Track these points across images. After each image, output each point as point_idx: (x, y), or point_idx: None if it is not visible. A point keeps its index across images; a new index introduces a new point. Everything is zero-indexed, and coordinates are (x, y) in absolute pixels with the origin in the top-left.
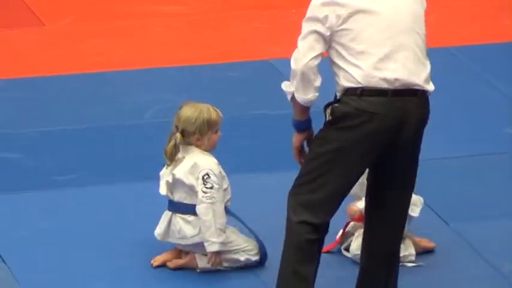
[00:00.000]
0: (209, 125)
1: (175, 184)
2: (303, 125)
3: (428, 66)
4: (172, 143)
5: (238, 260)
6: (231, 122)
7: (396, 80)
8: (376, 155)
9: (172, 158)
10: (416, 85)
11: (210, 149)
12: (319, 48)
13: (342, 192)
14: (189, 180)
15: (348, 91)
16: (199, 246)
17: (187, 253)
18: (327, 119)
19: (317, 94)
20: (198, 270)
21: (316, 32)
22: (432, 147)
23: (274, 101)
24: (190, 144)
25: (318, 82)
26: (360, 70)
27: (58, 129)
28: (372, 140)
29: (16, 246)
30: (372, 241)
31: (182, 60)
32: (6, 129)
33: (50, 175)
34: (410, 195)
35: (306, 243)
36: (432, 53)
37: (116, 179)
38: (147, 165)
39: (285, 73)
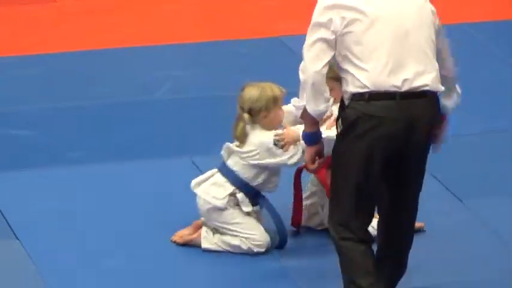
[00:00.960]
0: (274, 101)
1: (236, 152)
2: (314, 138)
3: (437, 66)
4: (241, 125)
5: (239, 247)
6: None
7: (405, 82)
8: (389, 158)
9: (243, 140)
10: (426, 86)
11: (277, 124)
12: (326, 56)
13: (368, 200)
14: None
15: (355, 96)
16: (215, 213)
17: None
18: (339, 131)
19: (329, 105)
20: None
21: (321, 39)
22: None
23: (284, 78)
24: (256, 122)
25: (327, 93)
26: (367, 74)
27: (69, 105)
28: (383, 145)
29: (28, 222)
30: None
31: (193, 37)
32: (18, 106)
33: (61, 152)
34: (418, 195)
35: (357, 257)
36: (446, 30)
37: (126, 156)
38: (157, 142)
39: (295, 50)
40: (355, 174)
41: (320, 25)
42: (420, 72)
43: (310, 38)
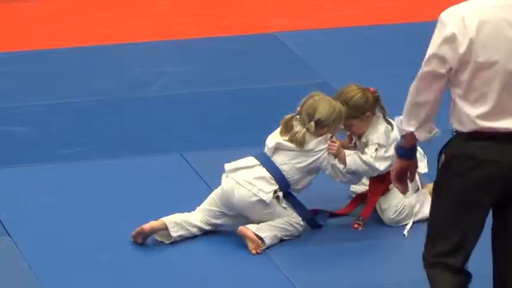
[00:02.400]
0: (341, 119)
1: (284, 151)
2: (408, 153)
3: None
4: (304, 131)
5: (286, 229)
6: (235, 96)
7: (507, 128)
8: (490, 200)
9: (302, 144)
10: None
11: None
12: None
13: (468, 240)
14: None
15: (457, 133)
16: (260, 205)
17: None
18: (440, 162)
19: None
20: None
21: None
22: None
23: (278, 74)
24: (317, 132)
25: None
26: (469, 116)
27: (63, 102)
28: (481, 188)
29: (20, 219)
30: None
31: (188, 33)
32: (12, 103)
33: (55, 148)
34: None
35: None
36: None
37: (121, 153)
38: (153, 138)
39: (290, 46)
40: (456, 210)
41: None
42: None
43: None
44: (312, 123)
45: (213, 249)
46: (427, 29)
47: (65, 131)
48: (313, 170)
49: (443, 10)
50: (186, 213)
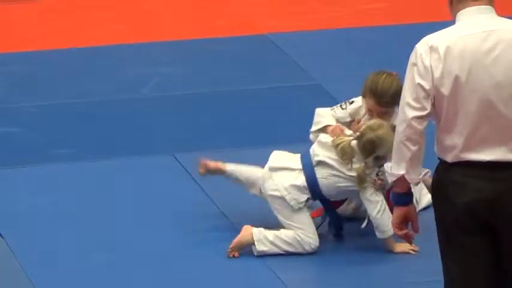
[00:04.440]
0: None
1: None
2: (404, 199)
3: None
4: (363, 167)
5: (292, 245)
6: (227, 97)
7: (487, 160)
8: (479, 230)
9: (363, 183)
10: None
11: None
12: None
13: (473, 276)
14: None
15: (440, 160)
16: (287, 210)
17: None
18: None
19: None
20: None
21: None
22: None
23: (270, 75)
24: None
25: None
26: (449, 146)
27: (56, 103)
28: (467, 213)
29: (14, 220)
30: None
31: (180, 34)
32: (4, 104)
33: (47, 149)
34: None
35: None
36: (432, 27)
37: (113, 154)
38: (145, 139)
39: (282, 47)
40: (449, 245)
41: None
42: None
43: None
44: (371, 159)
45: (212, 249)
46: (418, 30)
47: (57, 132)
48: (352, 193)
49: (432, 11)
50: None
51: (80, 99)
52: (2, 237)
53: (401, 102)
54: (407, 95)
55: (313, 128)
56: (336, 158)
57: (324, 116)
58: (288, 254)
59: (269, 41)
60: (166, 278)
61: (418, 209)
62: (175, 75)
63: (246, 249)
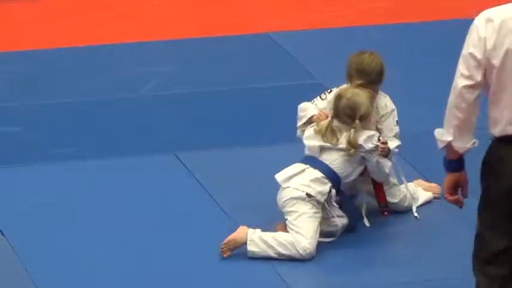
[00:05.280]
0: (372, 101)
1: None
2: (455, 165)
3: None
4: (353, 132)
5: (286, 247)
6: (229, 96)
7: None
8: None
9: (356, 146)
10: None
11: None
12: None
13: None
14: None
15: (492, 136)
16: (301, 202)
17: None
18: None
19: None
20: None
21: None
22: (424, 120)
23: (271, 74)
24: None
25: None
26: (497, 120)
27: (57, 102)
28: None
29: (15, 219)
30: None
31: (181, 33)
32: (5, 103)
33: (48, 148)
34: None
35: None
36: (434, 26)
37: (114, 153)
38: (146, 138)
39: (284, 46)
40: (488, 216)
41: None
42: None
43: None
44: (357, 122)
45: (213, 249)
46: (419, 29)
47: (57, 131)
48: (363, 161)
49: (434, 11)
50: None
51: (80, 98)
52: (4, 235)
53: (456, 73)
54: (460, 65)
55: (299, 123)
56: (333, 143)
57: (307, 109)
58: (282, 259)
59: (270, 40)
60: (166, 277)
61: (414, 208)
62: (176, 74)
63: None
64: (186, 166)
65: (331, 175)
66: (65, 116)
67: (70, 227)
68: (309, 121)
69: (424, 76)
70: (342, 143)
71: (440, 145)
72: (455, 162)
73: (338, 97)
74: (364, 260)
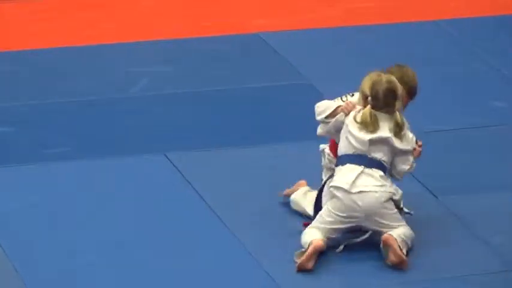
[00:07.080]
0: None
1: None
2: None
3: None
4: (399, 114)
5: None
6: (219, 96)
7: None
8: None
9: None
10: None
11: None
12: None
13: None
14: None
15: None
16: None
17: None
18: None
19: None
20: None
21: None
22: (420, 121)
23: (262, 74)
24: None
25: None
26: None
27: (48, 102)
28: None
29: (6, 219)
30: None
31: (171, 33)
32: None
33: (40, 148)
34: None
35: None
36: (421, 26)
37: (105, 153)
38: (136, 138)
39: (274, 46)
40: None
41: None
42: None
43: None
44: (399, 102)
45: (203, 249)
46: (408, 29)
47: (49, 131)
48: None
49: (422, 10)
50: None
51: (71, 98)
52: None
53: None
54: None
55: (322, 116)
56: (380, 134)
57: (329, 103)
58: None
59: (260, 40)
60: (157, 277)
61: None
62: (167, 75)
63: (241, 252)
64: (176, 166)
65: (384, 169)
66: (56, 117)
67: (62, 227)
68: (332, 114)
69: None
70: (384, 130)
71: None
72: None
73: (375, 84)
74: (360, 260)
